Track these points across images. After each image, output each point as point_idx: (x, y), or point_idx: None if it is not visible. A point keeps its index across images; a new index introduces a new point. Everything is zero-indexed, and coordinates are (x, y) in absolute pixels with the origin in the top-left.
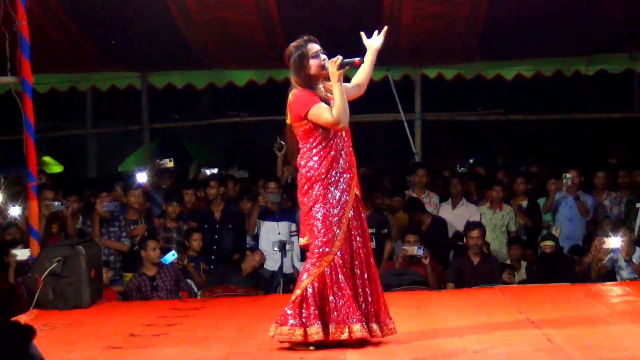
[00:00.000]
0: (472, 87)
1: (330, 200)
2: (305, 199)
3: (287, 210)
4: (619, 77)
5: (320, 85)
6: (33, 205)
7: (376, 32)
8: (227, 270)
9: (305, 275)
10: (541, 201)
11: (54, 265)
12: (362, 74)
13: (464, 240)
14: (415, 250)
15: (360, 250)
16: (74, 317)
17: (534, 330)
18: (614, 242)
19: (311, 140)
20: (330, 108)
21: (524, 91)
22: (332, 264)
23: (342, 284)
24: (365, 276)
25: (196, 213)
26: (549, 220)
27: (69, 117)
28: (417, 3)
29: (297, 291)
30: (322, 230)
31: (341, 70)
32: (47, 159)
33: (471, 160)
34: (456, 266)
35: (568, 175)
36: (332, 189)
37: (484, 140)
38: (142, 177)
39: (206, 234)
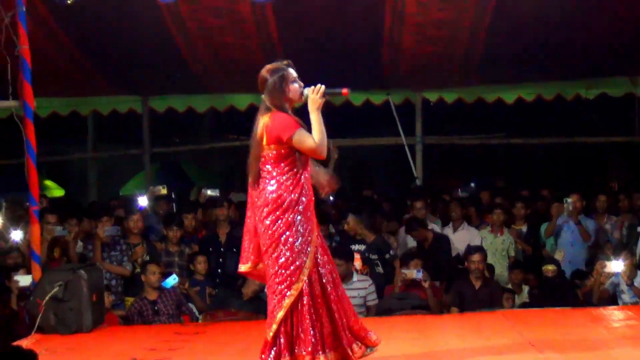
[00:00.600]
0: (473, 110)
1: (299, 228)
2: (273, 226)
3: None
4: (620, 101)
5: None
6: (35, 230)
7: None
8: (228, 294)
9: (277, 308)
10: (544, 226)
11: (55, 289)
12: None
13: (465, 264)
14: (414, 273)
15: (332, 274)
16: (76, 341)
17: (536, 354)
18: (616, 266)
19: (282, 165)
20: (311, 134)
21: (524, 115)
22: (303, 291)
23: (305, 314)
24: (339, 299)
25: (200, 236)
26: (551, 244)
27: (70, 140)
28: (418, 27)
29: (274, 327)
30: (289, 259)
31: (323, 99)
32: (48, 182)
33: (472, 184)
34: (457, 290)
35: (569, 199)
36: (301, 217)
37: (485, 164)
38: (143, 201)
39: (210, 258)
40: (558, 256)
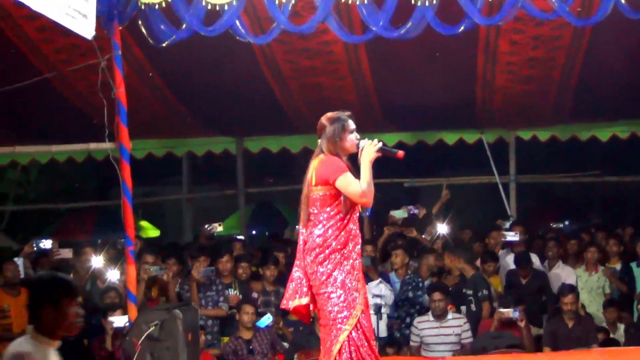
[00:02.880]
0: (567, 148)
1: (347, 268)
2: (321, 267)
3: (382, 273)
4: None
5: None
6: (131, 270)
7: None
8: (305, 332)
9: (335, 342)
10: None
11: (151, 329)
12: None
13: (559, 303)
14: (511, 313)
15: (371, 331)
16: None
17: None
18: None
19: (329, 209)
20: (357, 180)
21: (619, 152)
22: (357, 326)
23: (372, 345)
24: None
25: None
26: None
27: (166, 181)
28: (511, 66)
29: None
30: (341, 296)
31: (378, 154)
32: (143, 223)
33: (566, 222)
34: (550, 329)
35: None
36: (350, 260)
37: (579, 202)
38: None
39: None
40: None
